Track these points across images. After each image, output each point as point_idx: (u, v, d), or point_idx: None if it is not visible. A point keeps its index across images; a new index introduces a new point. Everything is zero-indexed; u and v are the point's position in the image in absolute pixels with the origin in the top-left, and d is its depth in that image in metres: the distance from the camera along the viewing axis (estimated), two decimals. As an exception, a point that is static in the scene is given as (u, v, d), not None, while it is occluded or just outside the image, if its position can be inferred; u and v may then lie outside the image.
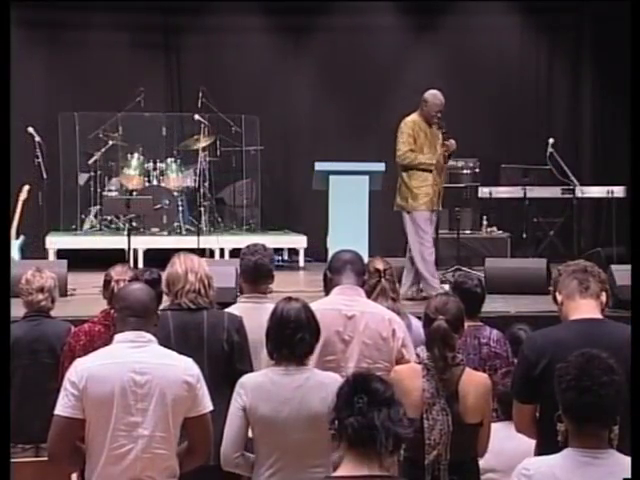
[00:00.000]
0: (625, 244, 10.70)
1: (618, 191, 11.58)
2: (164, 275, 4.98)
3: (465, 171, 12.99)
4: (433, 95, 9.34)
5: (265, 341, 4.28)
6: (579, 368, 3.23)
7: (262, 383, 4.16)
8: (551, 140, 10.81)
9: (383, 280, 5.47)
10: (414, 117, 9.40)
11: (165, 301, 5.05)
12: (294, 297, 4.37)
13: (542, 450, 3.83)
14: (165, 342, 4.30)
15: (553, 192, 11.63)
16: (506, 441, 4.50)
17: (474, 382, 4.34)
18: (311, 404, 4.10)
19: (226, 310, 5.14)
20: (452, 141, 9.38)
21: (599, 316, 4.09)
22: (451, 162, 12.95)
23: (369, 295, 5.31)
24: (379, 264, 5.55)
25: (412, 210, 9.34)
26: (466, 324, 5.46)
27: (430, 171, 9.31)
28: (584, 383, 3.19)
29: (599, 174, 13.44)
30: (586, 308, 4.08)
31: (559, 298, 4.18)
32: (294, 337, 4.16)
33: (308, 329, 4.22)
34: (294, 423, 4.09)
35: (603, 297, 4.15)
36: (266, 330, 4.27)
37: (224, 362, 4.77)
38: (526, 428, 4.18)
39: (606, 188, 11.68)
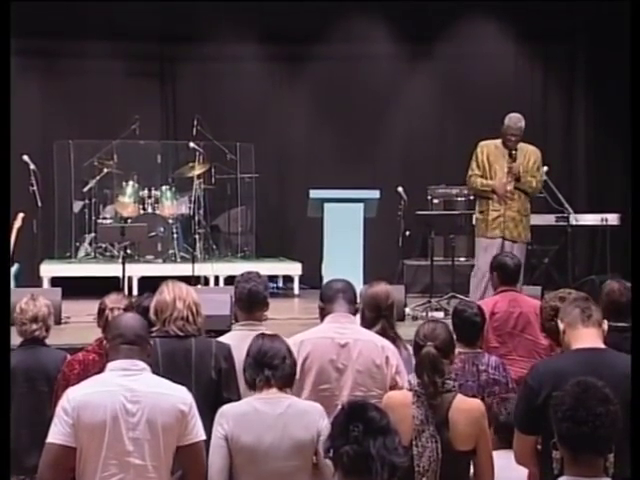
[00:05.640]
0: (619, 272, 10.70)
1: (612, 219, 11.60)
2: (152, 302, 4.96)
3: (459, 198, 13.01)
4: (509, 117, 9.22)
5: (244, 375, 4.29)
6: (575, 398, 3.22)
7: (244, 412, 4.12)
8: (545, 168, 10.80)
9: (382, 320, 5.39)
10: (492, 141, 9.28)
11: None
12: (268, 332, 4.39)
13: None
14: (154, 369, 4.27)
15: (547, 220, 11.64)
16: (503, 470, 4.46)
17: (466, 409, 4.27)
18: (293, 432, 4.08)
19: (218, 338, 5.12)
20: (514, 164, 9.14)
21: (601, 345, 4.05)
22: (445, 190, 13.07)
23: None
24: (379, 299, 5.45)
25: (477, 236, 9.37)
26: (465, 351, 5.49)
27: (490, 198, 9.15)
28: (580, 414, 3.18)
29: (593, 202, 13.46)
30: (588, 337, 4.05)
31: (561, 326, 4.16)
32: (276, 370, 4.18)
33: (289, 359, 4.24)
34: (277, 452, 4.06)
35: (605, 325, 4.14)
36: (245, 365, 4.28)
37: (212, 390, 4.74)
38: (527, 460, 4.14)
39: (600, 216, 11.70)
